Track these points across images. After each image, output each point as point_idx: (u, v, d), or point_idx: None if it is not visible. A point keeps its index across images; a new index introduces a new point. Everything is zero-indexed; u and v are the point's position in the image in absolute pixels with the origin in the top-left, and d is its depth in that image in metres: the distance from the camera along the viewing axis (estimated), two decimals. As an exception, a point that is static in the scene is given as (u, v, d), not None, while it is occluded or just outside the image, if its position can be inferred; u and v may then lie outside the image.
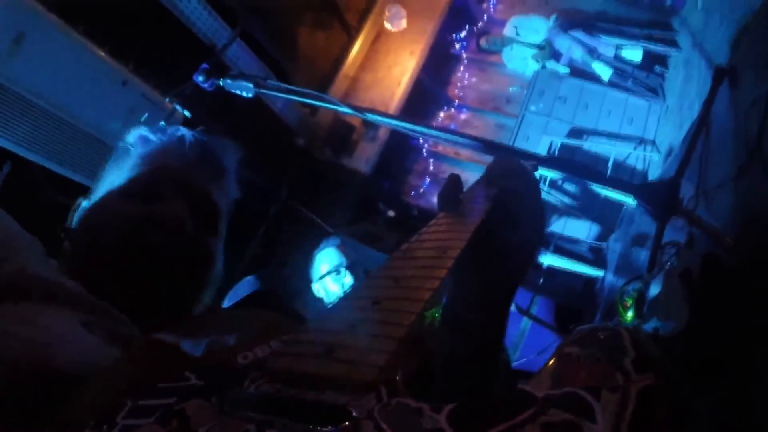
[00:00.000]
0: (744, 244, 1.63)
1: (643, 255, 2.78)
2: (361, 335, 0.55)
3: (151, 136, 0.98)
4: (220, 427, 0.46)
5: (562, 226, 4.33)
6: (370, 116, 1.65)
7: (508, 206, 0.76)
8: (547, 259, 3.85)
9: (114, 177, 0.95)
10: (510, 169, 0.82)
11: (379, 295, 0.62)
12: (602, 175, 1.65)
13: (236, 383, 0.53)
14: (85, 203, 0.97)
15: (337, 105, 1.70)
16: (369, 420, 0.44)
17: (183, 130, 1.01)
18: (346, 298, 0.65)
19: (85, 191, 2.76)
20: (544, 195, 4.18)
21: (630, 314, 1.87)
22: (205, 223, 0.95)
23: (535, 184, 0.81)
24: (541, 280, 3.83)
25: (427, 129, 1.69)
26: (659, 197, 1.60)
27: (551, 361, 0.50)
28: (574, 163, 1.64)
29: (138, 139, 0.98)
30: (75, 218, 0.96)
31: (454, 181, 0.78)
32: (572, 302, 4.02)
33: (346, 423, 0.44)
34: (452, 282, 0.75)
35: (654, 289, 1.74)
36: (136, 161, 0.95)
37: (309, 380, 0.51)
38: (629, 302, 1.88)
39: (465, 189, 0.81)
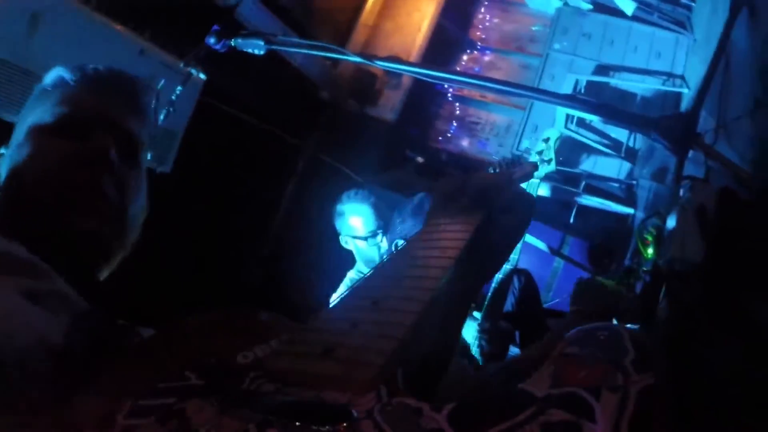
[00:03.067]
0: (761, 178, 1.61)
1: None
2: (361, 335, 0.55)
3: (68, 76, 0.96)
4: (220, 427, 0.46)
5: (592, 164, 4.27)
6: (381, 63, 1.63)
7: (498, 219, 0.78)
8: (580, 199, 3.80)
9: (36, 118, 0.93)
10: (496, 186, 0.82)
11: (379, 295, 0.62)
12: (614, 110, 1.62)
13: (236, 383, 0.53)
14: (3, 150, 0.96)
15: (347, 55, 1.69)
16: (369, 420, 0.44)
17: (99, 67, 0.99)
18: (346, 297, 0.64)
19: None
20: (571, 135, 4.13)
21: (650, 251, 1.87)
22: (130, 157, 0.94)
23: (521, 197, 0.82)
24: (573, 220, 3.80)
25: (444, 74, 1.67)
26: (676, 131, 1.58)
27: (551, 361, 0.50)
28: (577, 98, 1.61)
29: (56, 80, 0.96)
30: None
31: (458, 182, 0.82)
32: (604, 241, 3.98)
33: (346, 423, 0.44)
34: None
35: (672, 225, 1.74)
36: (57, 100, 0.93)
37: (309, 380, 0.51)
38: (649, 239, 1.87)
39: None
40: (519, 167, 1.11)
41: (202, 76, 2.78)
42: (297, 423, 0.45)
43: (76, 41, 2.45)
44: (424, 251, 0.72)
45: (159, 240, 3.41)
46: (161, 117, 1.76)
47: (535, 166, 1.18)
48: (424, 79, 1.67)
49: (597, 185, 3.83)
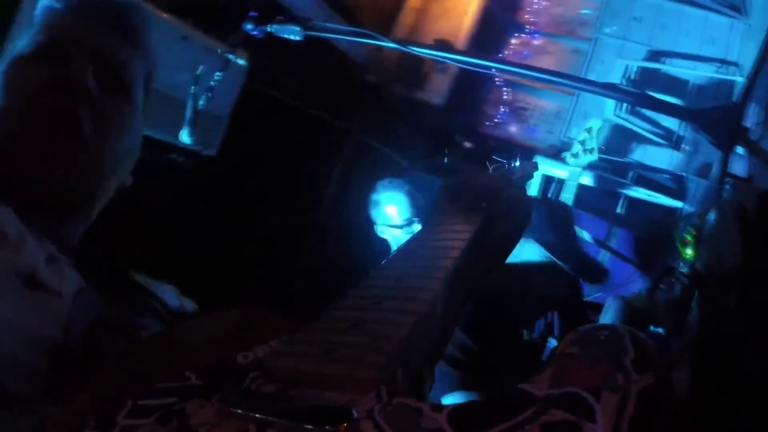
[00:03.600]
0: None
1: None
2: (362, 335, 0.56)
3: (54, 2, 0.88)
4: (220, 427, 0.47)
5: (642, 154, 4.15)
6: (417, 50, 1.61)
7: (496, 223, 0.79)
8: (627, 190, 3.72)
9: (15, 50, 0.85)
10: (496, 189, 0.83)
11: (381, 295, 0.63)
12: (654, 99, 1.56)
13: (236, 383, 0.53)
14: None
15: (384, 41, 1.68)
16: (369, 420, 0.45)
17: None
18: (347, 297, 0.64)
19: (158, 146, 2.80)
20: (621, 123, 4.03)
21: (689, 251, 1.81)
22: (115, 88, 0.85)
23: (519, 200, 0.83)
24: (620, 211, 3.72)
25: (479, 60, 1.65)
26: (719, 124, 1.52)
27: (551, 361, 0.50)
28: (617, 87, 1.55)
29: (43, 8, 0.88)
30: None
31: (459, 182, 0.83)
32: (652, 234, 3.88)
33: (346, 423, 0.44)
34: None
35: (711, 225, 1.68)
36: (39, 27, 0.86)
37: (309, 380, 0.51)
38: (689, 238, 1.82)
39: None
40: (519, 168, 1.09)
41: (241, 61, 2.80)
42: (297, 423, 0.45)
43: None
44: (425, 251, 0.72)
45: (205, 222, 3.47)
46: (201, 102, 1.79)
47: (535, 166, 1.16)
48: (463, 66, 1.65)
49: (646, 176, 3.73)
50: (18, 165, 0.76)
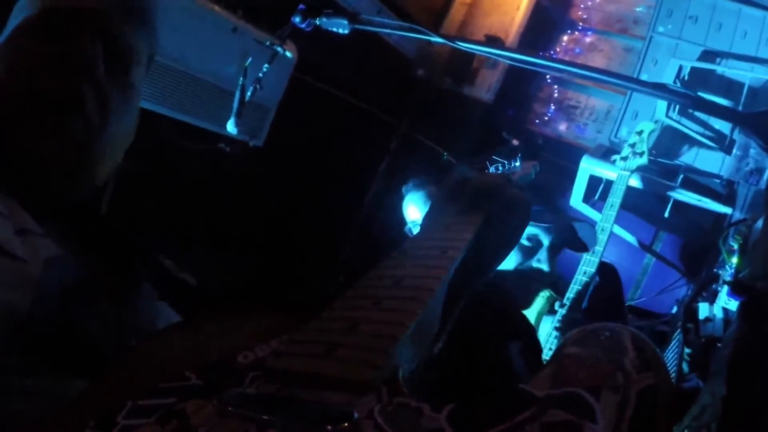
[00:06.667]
0: None
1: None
2: (362, 335, 0.56)
3: None
4: (220, 427, 0.47)
5: (693, 157, 4.05)
6: (464, 45, 1.61)
7: (495, 222, 0.79)
8: (675, 193, 3.64)
9: (18, 20, 0.81)
10: (495, 188, 0.83)
11: (380, 295, 0.62)
12: (704, 101, 1.52)
13: (236, 383, 0.53)
14: None
15: (430, 35, 1.67)
16: (369, 420, 0.45)
17: None
18: (346, 297, 0.64)
19: (206, 136, 2.85)
20: (672, 124, 3.93)
21: (735, 259, 1.77)
22: (119, 70, 0.83)
23: (518, 200, 0.82)
24: (668, 215, 3.64)
25: (531, 57, 1.63)
26: (768, 128, 1.47)
27: (552, 362, 0.51)
28: (666, 87, 1.51)
29: None
30: None
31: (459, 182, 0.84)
32: (699, 240, 3.78)
33: (347, 423, 0.45)
34: None
35: (758, 235, 1.63)
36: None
37: (309, 380, 0.51)
38: (735, 247, 1.78)
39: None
40: (520, 167, 1.08)
41: (289, 54, 2.83)
42: (298, 423, 0.45)
43: (172, 21, 2.54)
44: (425, 251, 0.72)
45: (251, 213, 3.52)
46: (248, 93, 1.82)
47: (536, 166, 1.15)
48: (513, 63, 1.63)
49: (696, 179, 3.64)
50: (12, 134, 0.74)
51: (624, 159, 3.02)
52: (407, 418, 0.45)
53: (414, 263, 0.69)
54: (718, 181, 3.62)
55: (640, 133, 3.04)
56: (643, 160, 2.93)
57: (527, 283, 1.97)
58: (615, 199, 2.78)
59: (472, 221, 0.76)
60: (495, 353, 1.11)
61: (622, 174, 2.91)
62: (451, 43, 1.61)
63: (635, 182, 3.34)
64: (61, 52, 0.77)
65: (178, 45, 2.61)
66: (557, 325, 2.48)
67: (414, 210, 2.59)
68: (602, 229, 2.70)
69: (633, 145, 3.01)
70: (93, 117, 0.79)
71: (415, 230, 2.62)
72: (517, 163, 1.15)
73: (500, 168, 1.15)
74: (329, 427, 0.44)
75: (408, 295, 0.61)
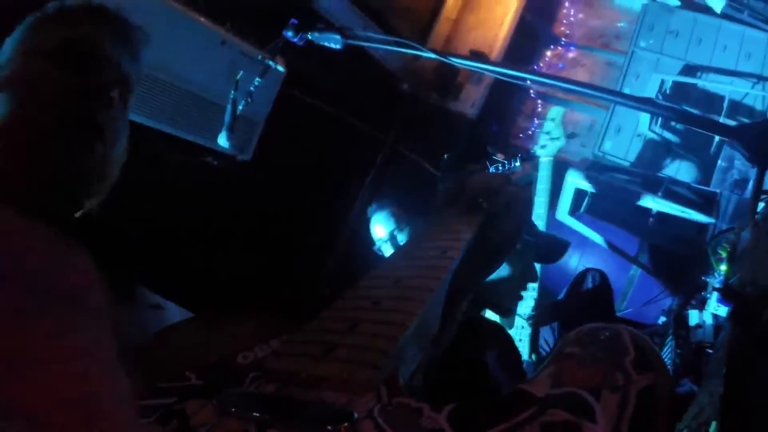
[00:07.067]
0: None
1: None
2: (362, 335, 0.56)
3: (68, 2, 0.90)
4: (220, 427, 0.47)
5: (675, 170, 4.09)
6: (457, 61, 1.62)
7: (495, 221, 0.80)
8: (656, 204, 3.69)
9: (31, 43, 0.88)
10: (495, 187, 0.84)
11: (380, 296, 0.62)
12: (690, 115, 1.55)
13: (236, 383, 0.54)
14: None
15: (424, 51, 1.68)
16: (369, 420, 0.45)
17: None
18: (345, 298, 0.64)
19: (192, 148, 2.83)
20: (655, 137, 3.99)
21: (724, 267, 1.79)
22: (124, 99, 0.92)
23: (517, 199, 0.83)
24: (651, 226, 3.68)
25: (517, 72, 1.65)
26: (755, 140, 1.50)
27: (551, 362, 0.51)
28: (654, 102, 1.54)
29: (56, 6, 0.90)
30: None
31: (458, 183, 0.84)
32: (683, 251, 3.82)
33: (347, 423, 0.45)
34: None
35: (746, 243, 1.65)
36: (54, 25, 0.88)
37: (309, 380, 0.51)
38: (723, 254, 1.80)
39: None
40: (519, 167, 1.09)
41: (280, 68, 2.83)
42: (298, 423, 0.46)
43: (161, 32, 2.53)
44: (425, 251, 0.72)
45: (236, 225, 3.50)
46: (240, 107, 1.81)
47: (536, 166, 1.15)
48: (500, 77, 1.65)
49: (678, 191, 3.69)
50: (49, 153, 0.81)
51: (543, 147, 3.20)
52: (407, 418, 0.45)
53: (414, 264, 0.69)
54: (699, 191, 3.67)
55: (553, 119, 3.20)
56: (561, 143, 3.08)
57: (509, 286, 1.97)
58: (543, 185, 2.91)
59: (472, 222, 0.77)
60: (471, 362, 1.12)
61: (545, 161, 3.06)
62: (441, 58, 1.63)
63: (586, 185, 3.45)
64: (85, 81, 0.85)
65: (167, 57, 2.61)
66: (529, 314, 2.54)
67: (380, 228, 2.60)
68: (538, 216, 2.85)
69: (548, 132, 3.17)
70: (109, 138, 0.88)
71: (386, 248, 2.64)
72: (518, 164, 1.15)
73: (500, 168, 1.15)
74: (329, 427, 0.44)
75: (408, 296, 0.61)
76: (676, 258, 3.84)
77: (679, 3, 4.61)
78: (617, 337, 0.50)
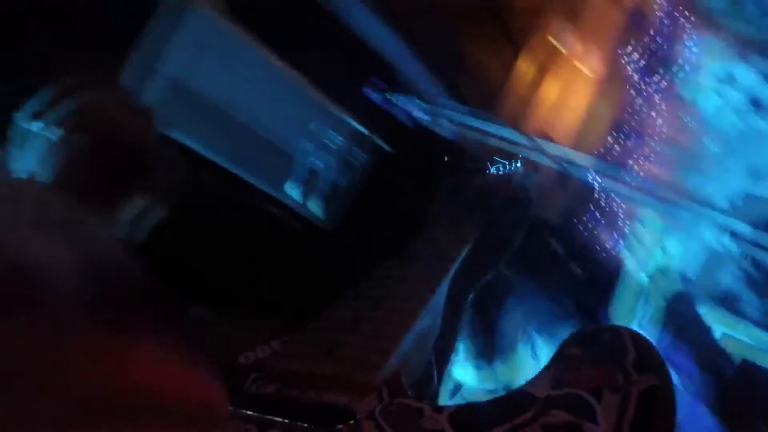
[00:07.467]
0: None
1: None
2: (363, 336, 0.56)
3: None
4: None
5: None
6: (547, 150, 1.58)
7: (495, 220, 0.82)
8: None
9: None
10: (495, 187, 0.87)
11: (380, 296, 0.63)
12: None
13: (237, 383, 0.53)
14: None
15: (518, 133, 1.66)
16: (370, 420, 0.45)
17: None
18: (347, 298, 0.64)
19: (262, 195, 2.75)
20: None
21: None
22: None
23: (517, 198, 0.86)
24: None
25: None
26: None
27: (553, 363, 0.51)
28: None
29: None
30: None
31: (458, 183, 0.88)
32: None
33: (347, 423, 0.44)
34: None
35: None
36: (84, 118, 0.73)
37: (310, 381, 0.50)
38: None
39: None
40: (520, 169, 1.11)
41: (362, 129, 2.62)
42: (299, 424, 0.45)
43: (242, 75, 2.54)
44: (426, 253, 0.73)
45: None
46: (319, 161, 1.79)
47: (536, 169, 1.16)
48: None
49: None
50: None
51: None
52: (408, 419, 0.45)
53: (415, 265, 0.70)
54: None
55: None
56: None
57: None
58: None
59: (473, 222, 0.78)
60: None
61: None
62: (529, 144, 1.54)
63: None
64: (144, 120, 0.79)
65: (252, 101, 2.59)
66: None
67: None
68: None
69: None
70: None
71: None
72: (518, 164, 1.17)
73: (501, 169, 1.17)
74: (330, 428, 0.44)
75: (408, 296, 0.62)
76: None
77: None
78: (618, 338, 0.50)
